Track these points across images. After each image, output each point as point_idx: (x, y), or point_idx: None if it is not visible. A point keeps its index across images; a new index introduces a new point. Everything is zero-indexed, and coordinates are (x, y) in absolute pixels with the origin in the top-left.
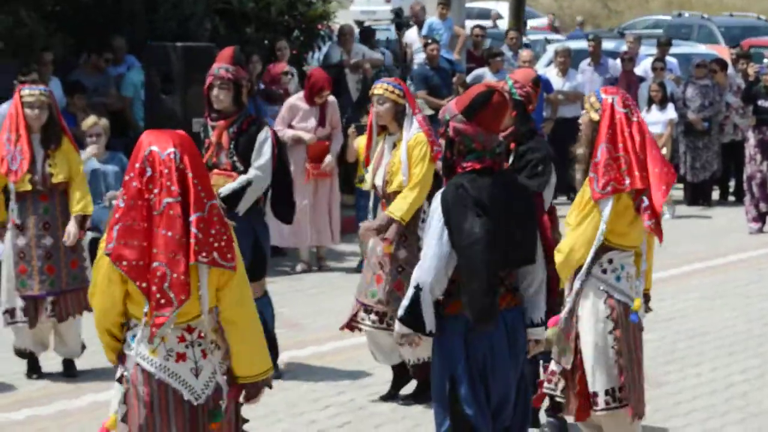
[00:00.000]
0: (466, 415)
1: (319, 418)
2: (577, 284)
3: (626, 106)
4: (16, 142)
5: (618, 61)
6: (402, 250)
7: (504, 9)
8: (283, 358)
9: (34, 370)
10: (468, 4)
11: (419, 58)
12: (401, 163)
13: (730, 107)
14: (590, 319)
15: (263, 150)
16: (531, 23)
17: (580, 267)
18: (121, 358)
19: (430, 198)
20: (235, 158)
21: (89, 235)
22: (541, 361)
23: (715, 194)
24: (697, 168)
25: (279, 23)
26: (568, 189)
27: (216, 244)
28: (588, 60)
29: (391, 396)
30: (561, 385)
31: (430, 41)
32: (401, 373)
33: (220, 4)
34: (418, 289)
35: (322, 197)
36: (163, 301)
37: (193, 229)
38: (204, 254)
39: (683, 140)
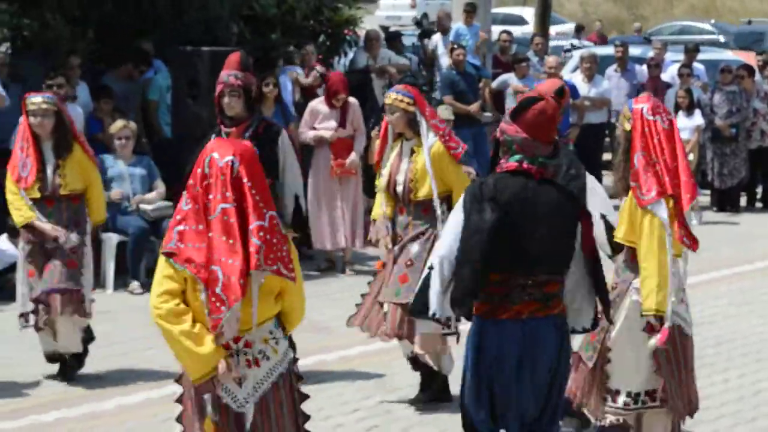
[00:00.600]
0: (468, 412)
1: (347, 421)
2: (616, 285)
3: (656, 114)
4: (27, 150)
5: (644, 67)
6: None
7: (530, 14)
8: (310, 362)
9: (64, 374)
10: (493, 10)
11: (443, 63)
12: (426, 171)
13: (758, 113)
14: (625, 323)
15: (289, 157)
16: (555, 29)
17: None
18: None
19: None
20: None
21: (115, 237)
22: None
23: (743, 200)
24: (725, 174)
25: (304, 28)
26: None
27: (279, 254)
28: (614, 66)
29: (419, 400)
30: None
31: (456, 46)
32: (428, 377)
33: (245, 10)
34: (430, 269)
35: (347, 199)
36: (217, 303)
37: (254, 238)
38: (269, 263)
39: (710, 146)
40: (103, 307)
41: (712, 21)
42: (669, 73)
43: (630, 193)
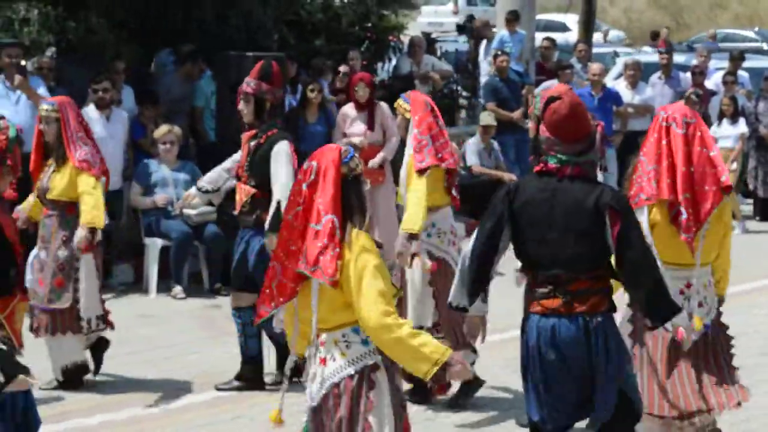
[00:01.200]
0: (527, 407)
1: None
2: None
3: (672, 119)
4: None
5: (688, 74)
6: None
7: (572, 21)
8: None
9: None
10: (536, 17)
11: (483, 70)
12: (403, 178)
13: None
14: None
15: (278, 164)
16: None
17: None
18: None
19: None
20: (249, 171)
21: (159, 242)
22: None
23: None
24: None
25: (350, 34)
26: None
27: (321, 257)
28: (659, 73)
29: (458, 404)
30: None
31: (500, 53)
32: (467, 381)
33: (289, 15)
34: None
35: (378, 208)
36: (268, 293)
37: (307, 241)
38: (310, 264)
39: (754, 155)
40: (145, 311)
41: (756, 29)
42: (713, 81)
43: None
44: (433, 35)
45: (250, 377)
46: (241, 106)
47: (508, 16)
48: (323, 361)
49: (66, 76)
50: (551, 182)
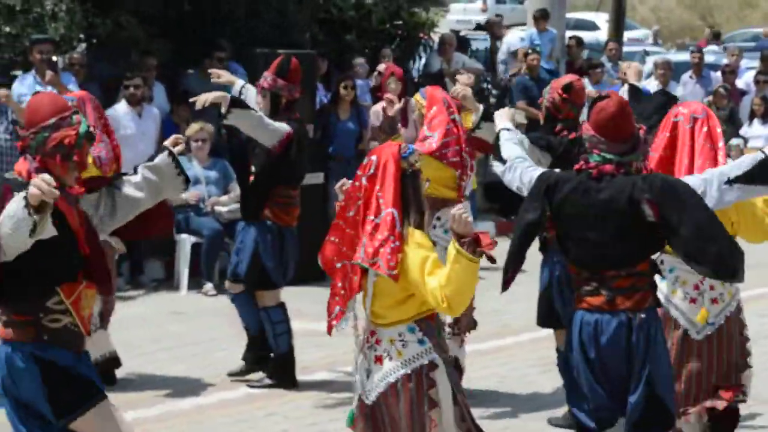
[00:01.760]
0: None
1: None
2: None
3: (680, 115)
4: None
5: (719, 73)
6: None
7: (602, 20)
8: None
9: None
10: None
11: (500, 69)
12: None
13: None
14: None
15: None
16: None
17: None
18: None
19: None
20: (254, 161)
21: (190, 239)
22: None
23: None
24: None
25: (381, 31)
26: None
27: (381, 249)
28: (690, 72)
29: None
30: None
31: (530, 51)
32: None
33: (321, 13)
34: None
35: None
36: (343, 293)
37: (365, 233)
38: (369, 257)
39: None
40: (176, 308)
41: None
42: (743, 80)
43: None
44: (462, 33)
45: (280, 375)
46: (258, 99)
47: (536, 15)
48: (379, 359)
49: (95, 72)
50: (590, 182)
